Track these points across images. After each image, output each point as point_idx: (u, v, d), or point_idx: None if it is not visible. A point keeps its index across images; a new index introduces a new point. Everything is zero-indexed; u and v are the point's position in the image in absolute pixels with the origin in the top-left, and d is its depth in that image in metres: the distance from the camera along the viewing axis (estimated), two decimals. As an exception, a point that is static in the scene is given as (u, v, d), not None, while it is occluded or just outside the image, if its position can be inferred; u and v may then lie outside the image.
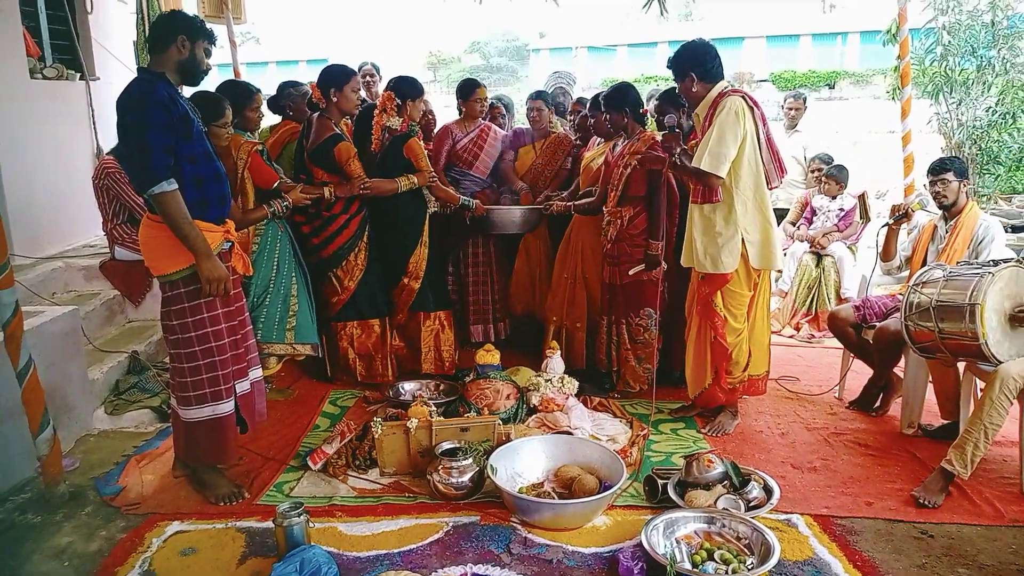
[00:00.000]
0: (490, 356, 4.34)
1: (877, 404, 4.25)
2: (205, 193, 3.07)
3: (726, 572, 2.62)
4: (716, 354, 3.86)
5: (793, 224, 6.12)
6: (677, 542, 2.81)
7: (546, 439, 3.57)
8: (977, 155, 8.21)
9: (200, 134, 3.07)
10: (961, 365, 3.69)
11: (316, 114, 4.34)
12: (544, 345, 4.55)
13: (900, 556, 2.84)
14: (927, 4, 7.95)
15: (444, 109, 6.80)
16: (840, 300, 5.67)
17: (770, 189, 3.75)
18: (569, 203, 4.66)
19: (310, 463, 3.54)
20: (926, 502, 3.17)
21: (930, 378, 3.88)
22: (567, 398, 4.06)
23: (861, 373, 4.41)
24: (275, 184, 4.14)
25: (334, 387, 4.61)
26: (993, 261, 3.48)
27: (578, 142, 5.13)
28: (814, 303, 5.85)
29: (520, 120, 5.23)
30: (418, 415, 3.52)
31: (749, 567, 2.63)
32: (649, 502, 3.23)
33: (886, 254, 4.34)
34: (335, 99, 4.24)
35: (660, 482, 3.22)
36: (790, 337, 5.82)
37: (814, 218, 6.05)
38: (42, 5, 5.56)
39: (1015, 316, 3.22)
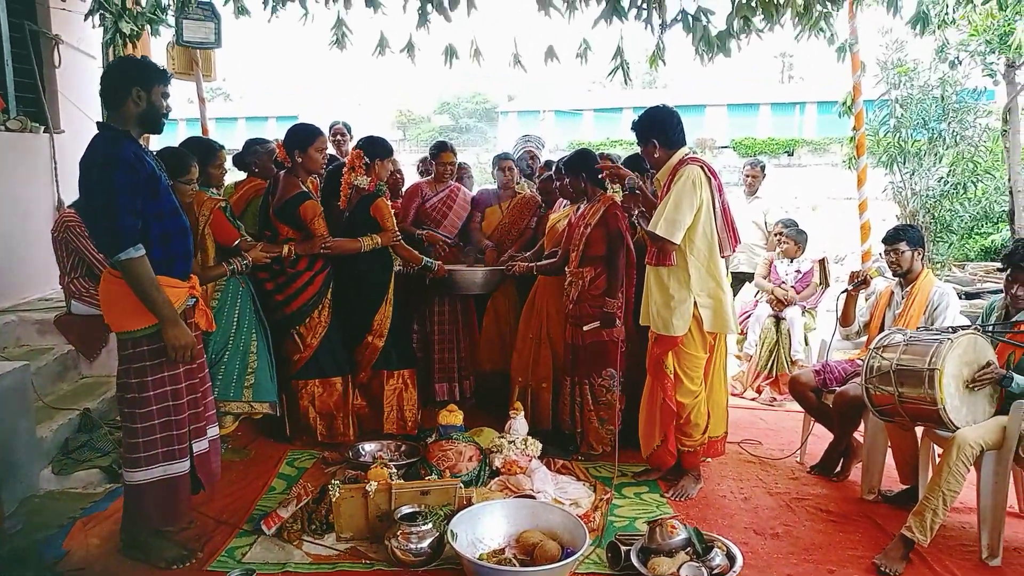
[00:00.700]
0: (453, 416, 4.29)
1: (838, 469, 4.27)
2: (171, 250, 3.03)
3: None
4: (664, 415, 3.89)
5: (764, 278, 6.17)
6: (640, 611, 2.77)
7: (508, 503, 3.51)
8: (931, 223, 8.47)
9: (167, 190, 3.03)
10: (919, 430, 3.73)
11: (283, 171, 4.35)
12: (509, 405, 4.52)
13: (863, 625, 2.82)
14: (880, 79, 8.28)
15: (411, 167, 6.89)
16: (792, 363, 5.73)
17: (723, 257, 3.84)
18: (531, 264, 4.70)
19: (264, 527, 3.42)
20: (887, 570, 3.16)
21: (889, 443, 3.92)
22: (530, 460, 4.01)
23: (822, 437, 4.43)
24: (236, 242, 4.11)
25: (292, 447, 4.51)
26: (951, 328, 3.56)
27: (543, 205, 5.20)
28: (774, 366, 5.90)
29: (483, 181, 5.33)
30: (378, 477, 3.45)
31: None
32: (612, 569, 3.18)
33: (845, 319, 4.41)
34: (299, 159, 4.26)
35: (623, 549, 3.17)
36: (752, 400, 5.85)
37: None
38: (8, 59, 5.54)
39: (972, 381, 3.28)
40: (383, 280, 4.55)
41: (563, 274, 4.42)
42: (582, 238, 4.25)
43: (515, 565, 3.07)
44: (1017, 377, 3.28)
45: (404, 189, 5.40)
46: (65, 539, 3.38)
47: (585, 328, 4.25)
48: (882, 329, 4.11)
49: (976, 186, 8.96)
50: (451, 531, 3.16)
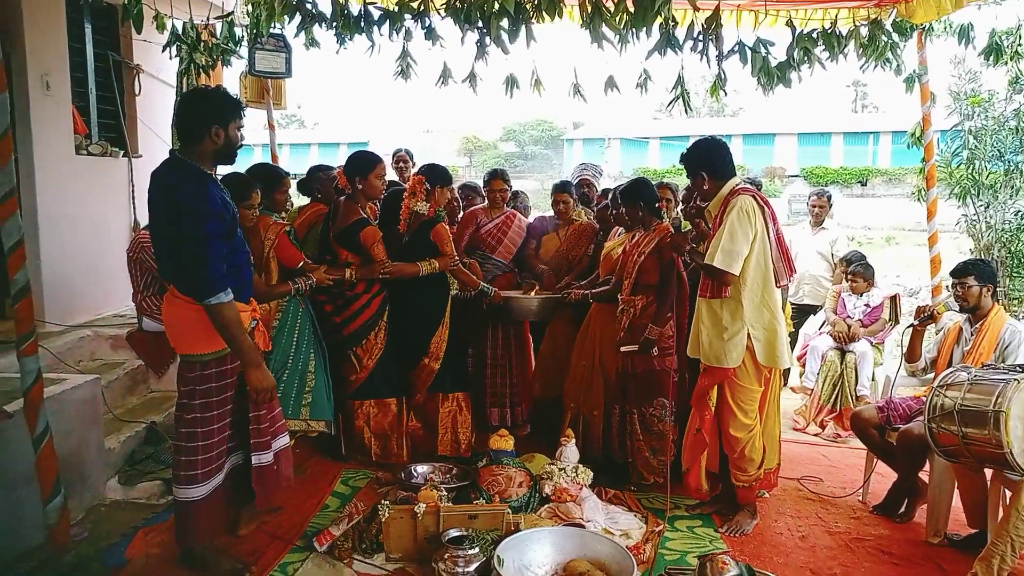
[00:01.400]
0: (504, 442, 4.30)
1: (902, 509, 4.12)
2: (240, 278, 3.13)
3: None
4: (696, 444, 3.86)
5: (832, 311, 6.03)
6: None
7: (556, 531, 3.49)
8: (1007, 258, 8.14)
9: (236, 222, 3.10)
10: (988, 472, 3.58)
11: (343, 197, 4.47)
12: (561, 431, 4.50)
13: (921, 674, 2.71)
14: (952, 109, 8.05)
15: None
16: (857, 399, 5.56)
17: (779, 287, 3.77)
18: (586, 291, 4.71)
19: (316, 544, 3.49)
20: (951, 617, 3.03)
21: (957, 484, 3.76)
22: (581, 488, 3.99)
23: (887, 476, 4.28)
24: (299, 263, 4.23)
25: (347, 466, 4.58)
26: (1020, 366, 3.41)
27: (600, 232, 5.20)
28: (838, 400, 5.74)
29: (548, 208, 5.37)
30: (427, 499, 3.47)
31: None
32: (660, 602, 3.13)
33: (911, 355, 4.28)
34: (360, 186, 4.37)
35: (672, 582, 3.12)
36: (815, 435, 5.69)
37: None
38: (93, 87, 5.87)
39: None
40: (440, 304, 4.62)
41: (616, 301, 4.41)
42: (635, 266, 4.24)
43: (561, 594, 3.05)
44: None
45: (460, 216, 5.48)
46: (127, 548, 3.50)
47: (623, 350, 4.23)
48: (950, 366, 3.97)
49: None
50: (498, 556, 3.16)
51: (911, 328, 4.23)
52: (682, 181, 4.64)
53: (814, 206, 6.54)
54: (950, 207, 8.01)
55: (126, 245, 5.16)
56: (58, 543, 3.30)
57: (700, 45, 4.17)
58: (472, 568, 3.17)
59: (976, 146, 7.82)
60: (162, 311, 3.22)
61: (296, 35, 4.93)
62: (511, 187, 5.36)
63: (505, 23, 4.10)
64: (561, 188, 5.25)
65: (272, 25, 4.80)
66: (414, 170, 5.39)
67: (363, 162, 4.40)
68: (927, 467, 3.97)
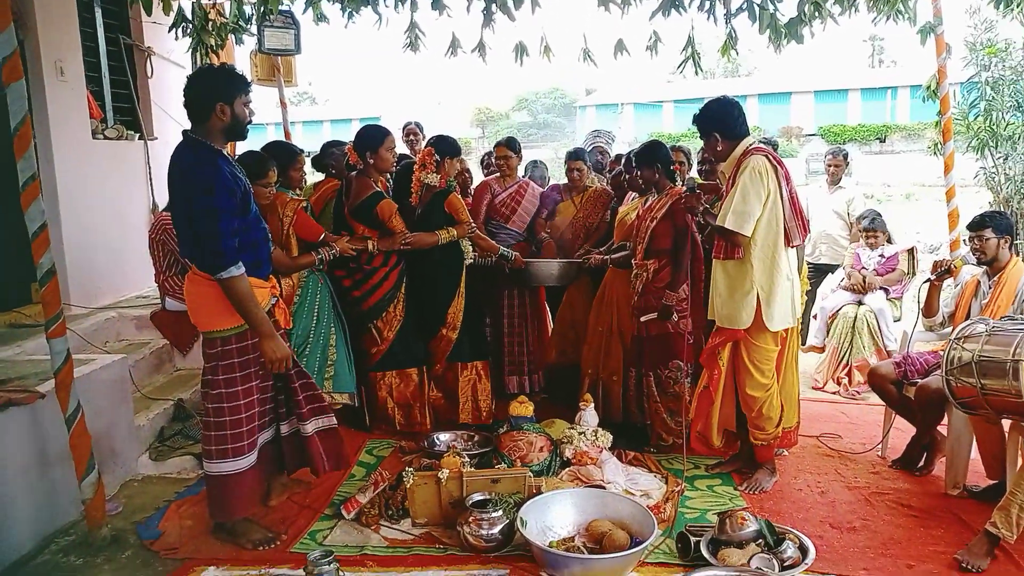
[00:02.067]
0: (523, 408, 4.36)
1: (921, 463, 4.14)
2: (257, 255, 3.18)
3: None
4: (702, 402, 3.92)
5: (851, 267, 6.02)
6: (707, 600, 2.77)
7: (577, 492, 3.55)
8: (1026, 210, 8.03)
9: (250, 199, 3.14)
10: (1006, 423, 3.59)
11: (354, 173, 4.50)
12: (579, 397, 4.55)
13: (940, 621, 2.75)
14: (969, 61, 7.90)
15: (476, 164, 6.97)
16: (880, 353, 5.55)
17: (792, 247, 3.77)
18: (606, 256, 4.72)
19: (344, 512, 3.58)
20: (970, 566, 3.07)
21: (975, 436, 3.78)
22: (600, 451, 4.04)
23: (905, 431, 4.29)
24: (320, 236, 4.28)
25: (371, 437, 4.67)
26: (1038, 317, 3.41)
27: (615, 198, 5.20)
28: (848, 355, 5.73)
29: (563, 176, 5.35)
30: (450, 466, 3.55)
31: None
32: (681, 559, 3.19)
33: (928, 310, 4.27)
34: (371, 160, 4.39)
35: (693, 539, 3.18)
36: (833, 393, 5.70)
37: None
38: (106, 71, 5.90)
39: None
40: (455, 274, 4.65)
41: (632, 266, 4.43)
42: (648, 231, 4.25)
43: (584, 553, 3.12)
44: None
45: (473, 187, 5.49)
46: (161, 520, 3.60)
47: (643, 319, 4.26)
48: (968, 319, 3.96)
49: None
50: (521, 518, 3.22)
51: (928, 283, 4.21)
52: (696, 144, 4.62)
53: (830, 165, 6.49)
54: (968, 160, 7.89)
55: (145, 227, 5.24)
56: (94, 518, 3.39)
57: (708, 3, 4.14)
58: (496, 530, 3.24)
59: (993, 97, 7.68)
60: (184, 289, 3.28)
61: (304, 11, 4.93)
62: (518, 155, 5.29)
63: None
64: (575, 155, 5.24)
65: (280, 2, 4.80)
66: (424, 142, 5.40)
67: (373, 136, 4.42)
68: (945, 421, 3.98)
